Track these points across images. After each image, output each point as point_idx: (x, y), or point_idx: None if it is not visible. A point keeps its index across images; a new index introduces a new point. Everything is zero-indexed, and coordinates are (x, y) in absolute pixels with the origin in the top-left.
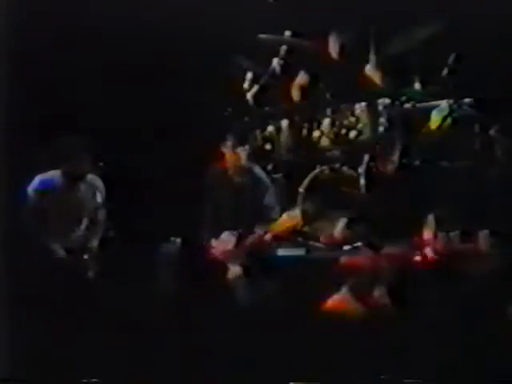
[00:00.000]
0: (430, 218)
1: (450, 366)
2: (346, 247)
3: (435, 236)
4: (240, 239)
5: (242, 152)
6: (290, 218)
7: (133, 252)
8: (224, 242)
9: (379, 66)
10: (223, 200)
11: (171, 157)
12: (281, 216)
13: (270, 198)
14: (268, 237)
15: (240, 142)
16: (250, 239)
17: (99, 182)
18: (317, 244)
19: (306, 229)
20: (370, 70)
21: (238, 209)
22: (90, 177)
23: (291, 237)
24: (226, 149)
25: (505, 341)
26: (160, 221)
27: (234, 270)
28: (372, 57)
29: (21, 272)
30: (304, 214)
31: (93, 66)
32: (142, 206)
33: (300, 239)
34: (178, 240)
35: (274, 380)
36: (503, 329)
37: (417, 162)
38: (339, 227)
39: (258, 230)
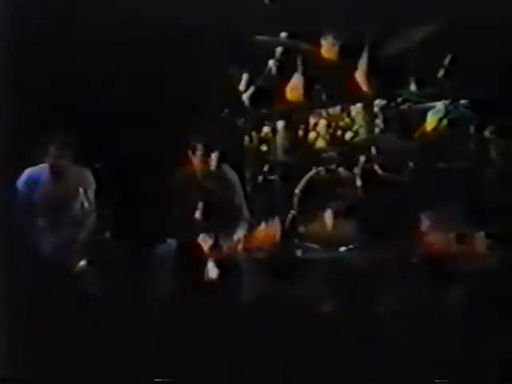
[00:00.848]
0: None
1: (448, 366)
2: (342, 249)
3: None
4: (216, 242)
5: (212, 160)
6: (271, 228)
7: (129, 253)
8: (201, 244)
9: (368, 72)
10: (195, 202)
11: (168, 157)
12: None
13: (239, 198)
14: (240, 248)
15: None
16: (226, 244)
17: (89, 177)
18: (312, 245)
19: (301, 230)
20: (358, 75)
21: (211, 210)
22: (79, 172)
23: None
24: (195, 156)
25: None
26: (156, 222)
27: (212, 270)
28: (362, 62)
29: (15, 271)
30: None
31: (88, 66)
32: (139, 208)
33: (296, 240)
34: (174, 241)
35: (271, 379)
36: (501, 329)
37: (413, 163)
38: (328, 218)
39: (235, 236)
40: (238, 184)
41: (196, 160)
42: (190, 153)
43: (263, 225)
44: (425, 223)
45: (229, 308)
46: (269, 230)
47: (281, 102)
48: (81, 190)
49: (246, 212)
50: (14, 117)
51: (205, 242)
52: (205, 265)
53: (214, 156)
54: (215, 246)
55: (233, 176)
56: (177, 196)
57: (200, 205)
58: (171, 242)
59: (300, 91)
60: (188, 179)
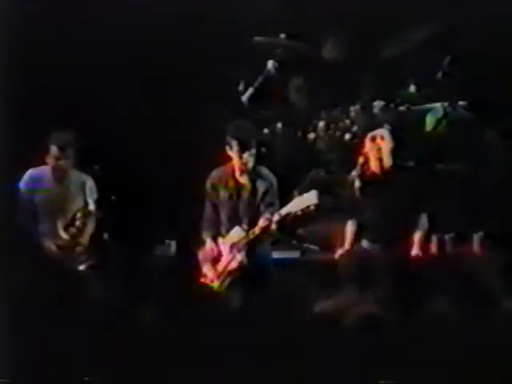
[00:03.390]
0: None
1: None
2: (339, 251)
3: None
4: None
5: (249, 157)
6: (305, 199)
7: (128, 254)
8: (233, 237)
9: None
10: (227, 200)
11: (168, 158)
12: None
13: (273, 194)
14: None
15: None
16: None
17: (89, 180)
18: (311, 246)
19: (300, 232)
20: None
21: (242, 206)
22: (80, 174)
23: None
24: (233, 153)
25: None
26: (155, 223)
27: (239, 258)
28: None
29: (15, 271)
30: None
31: (90, 66)
32: (138, 209)
33: (294, 242)
34: (173, 243)
35: (270, 381)
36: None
37: (412, 164)
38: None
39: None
40: (275, 183)
41: (234, 157)
42: (227, 149)
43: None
44: (423, 224)
45: (228, 310)
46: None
47: (280, 103)
48: (86, 191)
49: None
50: (15, 117)
51: (238, 234)
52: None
53: (249, 154)
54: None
55: (270, 177)
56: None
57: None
58: (170, 244)
59: (299, 92)
60: (225, 176)
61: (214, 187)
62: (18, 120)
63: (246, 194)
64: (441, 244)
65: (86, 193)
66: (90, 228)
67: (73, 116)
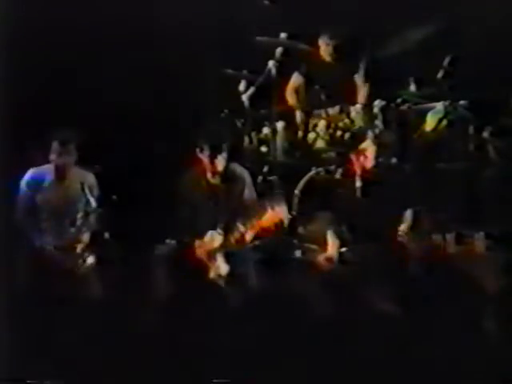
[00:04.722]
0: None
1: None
2: (342, 249)
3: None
4: (226, 235)
5: (219, 161)
6: (276, 214)
7: (128, 253)
8: (209, 241)
9: (368, 77)
10: (202, 202)
11: (168, 158)
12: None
13: (249, 193)
14: (249, 235)
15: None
16: (234, 235)
17: (91, 178)
18: (312, 246)
19: (301, 230)
20: (358, 79)
21: (219, 208)
22: (81, 172)
23: (275, 234)
24: (203, 157)
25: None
26: (156, 223)
27: (220, 267)
28: (361, 65)
29: (16, 270)
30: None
31: (88, 65)
32: (138, 208)
33: (295, 241)
34: (173, 242)
35: (271, 380)
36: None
37: (412, 164)
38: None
39: (241, 227)
40: (249, 180)
41: (204, 160)
42: (198, 152)
43: (269, 211)
44: (424, 223)
45: (229, 309)
46: (275, 215)
47: (281, 102)
48: (86, 190)
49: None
50: (15, 116)
51: (213, 239)
52: (204, 266)
53: (221, 158)
54: (224, 242)
55: (243, 173)
56: (181, 196)
57: (210, 203)
58: (171, 243)
59: (299, 91)
60: (197, 179)
61: (188, 190)
62: (18, 119)
63: (221, 195)
64: (441, 244)
65: (87, 191)
66: (91, 227)
67: (74, 114)
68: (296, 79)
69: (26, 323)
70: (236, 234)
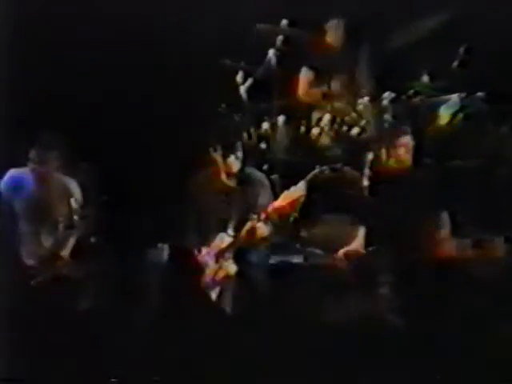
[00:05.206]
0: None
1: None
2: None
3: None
4: (236, 234)
5: (234, 161)
6: (291, 194)
7: (117, 259)
8: (218, 244)
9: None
10: (214, 205)
11: (158, 157)
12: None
13: (265, 199)
14: (261, 224)
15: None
16: (245, 228)
17: (73, 184)
18: (316, 251)
19: (303, 234)
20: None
21: (232, 212)
22: (63, 177)
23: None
24: (217, 156)
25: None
26: (147, 226)
27: (227, 268)
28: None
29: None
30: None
31: (78, 61)
32: (127, 210)
33: (297, 245)
34: (166, 246)
35: None
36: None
37: (425, 161)
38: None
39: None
40: (268, 184)
41: (218, 160)
42: (211, 152)
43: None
44: (440, 226)
45: (226, 318)
46: (291, 196)
47: (281, 95)
48: (71, 195)
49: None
50: (14, 116)
51: (221, 240)
52: (201, 271)
53: (235, 158)
54: (233, 244)
55: (260, 177)
56: (191, 197)
57: (223, 206)
58: (163, 247)
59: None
60: (211, 179)
61: (200, 191)
62: (2, 119)
63: (235, 198)
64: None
65: (70, 197)
66: (74, 235)
67: (61, 113)
68: (307, 74)
69: (25, 323)
70: (247, 226)
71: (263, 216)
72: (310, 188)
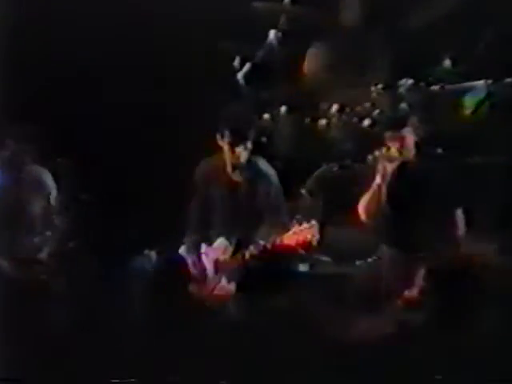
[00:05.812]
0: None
1: None
2: (358, 262)
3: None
4: (238, 248)
5: (243, 151)
6: (304, 232)
7: (98, 266)
8: (217, 250)
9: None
10: (218, 200)
11: (146, 154)
12: (291, 226)
13: (275, 197)
14: (270, 247)
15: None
16: (250, 249)
17: (48, 177)
18: (323, 258)
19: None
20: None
21: (236, 210)
22: (36, 170)
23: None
24: (224, 144)
25: None
26: (132, 230)
27: (226, 286)
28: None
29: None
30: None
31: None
32: (111, 212)
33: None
34: (153, 253)
35: None
36: None
37: (444, 156)
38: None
39: (260, 241)
40: (277, 181)
41: (225, 147)
42: (218, 138)
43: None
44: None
45: (220, 331)
46: (301, 234)
47: (284, 82)
48: (45, 189)
49: (283, 214)
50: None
51: (224, 248)
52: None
53: (243, 147)
54: (236, 252)
55: (270, 172)
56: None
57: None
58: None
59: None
60: (214, 172)
61: (203, 182)
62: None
63: (241, 195)
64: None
65: (45, 191)
66: (53, 235)
67: (40, 106)
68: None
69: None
70: (252, 249)
71: (269, 247)
72: (317, 187)
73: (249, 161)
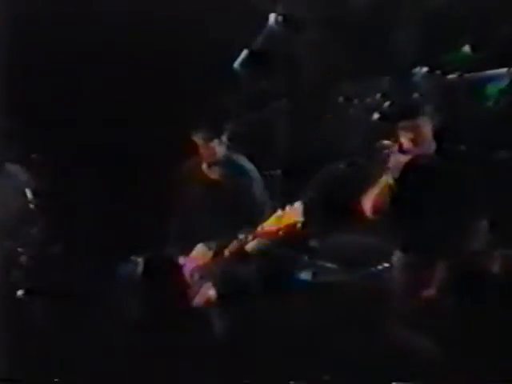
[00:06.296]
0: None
1: None
2: (368, 270)
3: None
4: (218, 253)
5: (218, 146)
6: (288, 214)
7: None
8: (195, 260)
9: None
10: (197, 202)
11: (133, 149)
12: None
13: (259, 193)
14: (250, 245)
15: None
16: (230, 247)
17: (22, 175)
18: (328, 264)
19: (313, 244)
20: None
21: (217, 213)
22: (12, 169)
23: (286, 237)
24: (198, 140)
25: None
26: (118, 235)
27: (207, 293)
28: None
29: None
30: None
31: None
32: (95, 216)
33: (305, 258)
34: (140, 260)
35: None
36: None
37: (461, 151)
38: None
39: (241, 235)
40: (257, 176)
41: (200, 144)
42: (193, 135)
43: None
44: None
45: (210, 341)
46: (284, 217)
47: (285, 71)
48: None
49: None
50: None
51: (203, 254)
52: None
53: (219, 142)
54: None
55: (249, 168)
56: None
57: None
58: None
59: None
60: (191, 172)
61: (183, 184)
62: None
63: (221, 194)
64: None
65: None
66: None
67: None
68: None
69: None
70: (233, 245)
71: (251, 238)
72: (323, 187)
73: (227, 158)
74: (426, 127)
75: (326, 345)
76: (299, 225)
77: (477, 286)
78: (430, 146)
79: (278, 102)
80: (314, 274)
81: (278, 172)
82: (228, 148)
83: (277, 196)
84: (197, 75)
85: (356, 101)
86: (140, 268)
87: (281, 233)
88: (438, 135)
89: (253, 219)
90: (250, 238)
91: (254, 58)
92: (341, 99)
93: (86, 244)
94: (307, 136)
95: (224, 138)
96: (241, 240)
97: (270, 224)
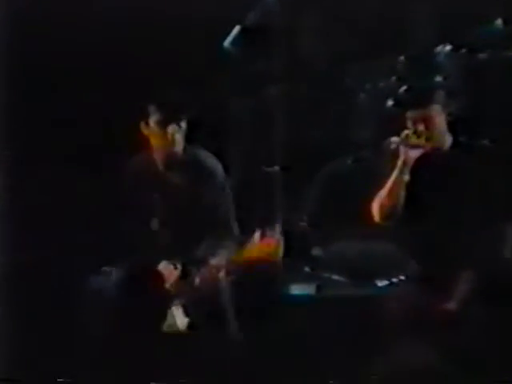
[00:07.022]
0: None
1: None
2: (380, 283)
3: None
4: (185, 272)
5: (175, 133)
6: (265, 243)
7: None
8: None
9: None
10: (153, 211)
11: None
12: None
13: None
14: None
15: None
16: (201, 274)
17: None
18: (334, 276)
19: (316, 252)
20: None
21: (178, 221)
22: None
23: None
24: (148, 128)
25: None
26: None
27: (179, 319)
28: None
29: None
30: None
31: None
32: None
33: (307, 269)
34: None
35: None
36: None
37: (483, 146)
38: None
39: (213, 260)
40: (222, 176)
41: (154, 139)
42: (143, 126)
43: (257, 237)
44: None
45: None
46: (266, 245)
47: (284, 51)
48: None
49: (232, 222)
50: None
51: (169, 272)
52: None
53: (176, 129)
54: (183, 278)
55: (213, 164)
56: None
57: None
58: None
59: None
60: (144, 171)
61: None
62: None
63: (181, 200)
64: None
65: None
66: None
67: None
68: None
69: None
70: (202, 272)
71: (222, 272)
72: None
73: (185, 153)
74: (439, 117)
75: (333, 370)
76: (280, 255)
77: (506, 299)
78: (445, 140)
79: (274, 87)
80: (318, 288)
81: (276, 169)
82: (190, 140)
83: (275, 196)
84: (183, 56)
85: (367, 85)
86: (113, 278)
87: (263, 261)
88: (453, 127)
89: (216, 230)
90: (223, 272)
91: (247, 36)
92: (348, 83)
93: (56, 251)
94: (309, 126)
95: (183, 124)
96: (212, 267)
97: (250, 253)
